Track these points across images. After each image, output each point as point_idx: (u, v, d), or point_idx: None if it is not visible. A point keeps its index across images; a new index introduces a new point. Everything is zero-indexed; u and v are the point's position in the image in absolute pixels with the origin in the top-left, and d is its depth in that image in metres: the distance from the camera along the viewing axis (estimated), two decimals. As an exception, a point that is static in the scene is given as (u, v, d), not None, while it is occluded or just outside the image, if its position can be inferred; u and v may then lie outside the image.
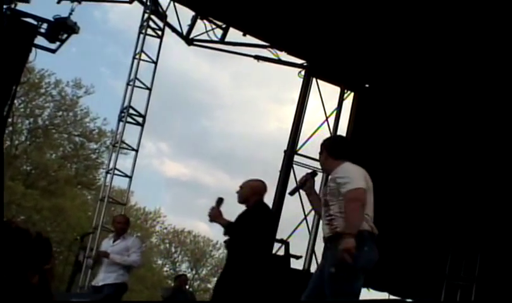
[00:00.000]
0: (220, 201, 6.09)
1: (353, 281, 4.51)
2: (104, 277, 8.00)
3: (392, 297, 10.49)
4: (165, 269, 35.40)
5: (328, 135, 10.68)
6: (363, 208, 4.54)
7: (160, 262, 35.19)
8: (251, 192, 6.16)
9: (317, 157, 11.02)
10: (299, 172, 9.65)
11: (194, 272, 34.60)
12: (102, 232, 10.03)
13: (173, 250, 35.68)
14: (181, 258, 35.73)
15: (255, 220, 6.02)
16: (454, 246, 10.62)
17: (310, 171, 5.62)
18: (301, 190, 5.16)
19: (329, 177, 4.86)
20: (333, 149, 4.91)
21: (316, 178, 5.12)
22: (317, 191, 5.18)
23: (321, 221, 4.85)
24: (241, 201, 6.18)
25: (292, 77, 10.98)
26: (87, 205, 26.35)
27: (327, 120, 10.69)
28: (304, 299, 4.78)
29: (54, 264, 1.52)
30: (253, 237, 6.00)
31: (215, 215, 6.03)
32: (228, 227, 6.04)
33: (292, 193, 5.41)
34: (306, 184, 5.04)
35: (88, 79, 25.31)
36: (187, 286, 11.77)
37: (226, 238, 6.12)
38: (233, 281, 5.92)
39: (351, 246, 4.35)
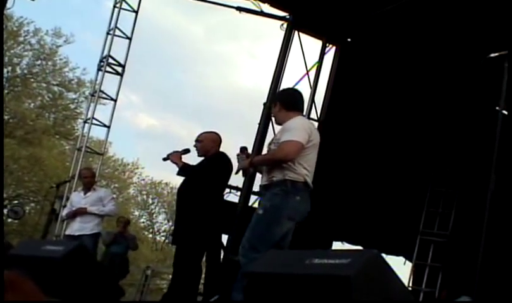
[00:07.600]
0: (186, 151, 6.28)
1: (274, 226, 4.59)
2: (80, 227, 8.05)
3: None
4: (142, 220, 35.56)
5: (308, 89, 10.65)
6: (282, 161, 4.64)
7: (137, 213, 35.21)
8: (212, 144, 6.27)
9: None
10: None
11: (171, 224, 34.67)
12: (78, 182, 9.99)
13: (150, 201, 35.75)
14: (158, 209, 35.87)
15: (217, 166, 6.11)
16: (428, 202, 10.78)
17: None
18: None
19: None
20: (286, 101, 4.98)
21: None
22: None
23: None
24: (202, 153, 6.28)
25: (267, 31, 10.81)
26: (65, 155, 26.17)
27: (307, 73, 10.64)
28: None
29: None
30: (213, 182, 6.09)
31: (175, 157, 6.20)
32: (183, 168, 6.16)
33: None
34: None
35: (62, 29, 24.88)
36: (129, 231, 11.79)
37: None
38: (190, 227, 6.00)
39: (244, 164, 5.06)
